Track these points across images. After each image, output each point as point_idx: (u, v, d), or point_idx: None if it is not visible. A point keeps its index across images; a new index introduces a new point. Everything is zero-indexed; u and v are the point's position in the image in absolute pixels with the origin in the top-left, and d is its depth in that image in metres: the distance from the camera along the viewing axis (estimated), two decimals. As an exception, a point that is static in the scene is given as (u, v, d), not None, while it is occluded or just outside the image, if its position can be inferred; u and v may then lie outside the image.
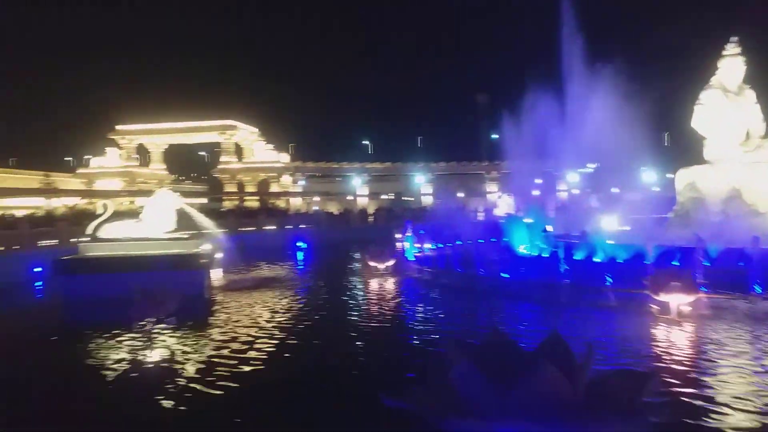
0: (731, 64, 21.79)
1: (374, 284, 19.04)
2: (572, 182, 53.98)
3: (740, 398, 7.70)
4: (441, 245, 23.43)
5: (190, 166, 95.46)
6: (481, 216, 46.32)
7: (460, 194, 71.03)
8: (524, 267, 18.28)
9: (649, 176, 64.85)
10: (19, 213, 37.32)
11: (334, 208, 59.07)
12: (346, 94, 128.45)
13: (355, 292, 18.06)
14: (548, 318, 13.44)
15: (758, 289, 12.79)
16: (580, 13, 35.54)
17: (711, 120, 21.70)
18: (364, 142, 77.94)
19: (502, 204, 50.28)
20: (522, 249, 23.18)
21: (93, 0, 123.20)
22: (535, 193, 58.98)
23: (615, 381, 6.04)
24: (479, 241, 24.60)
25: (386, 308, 15.19)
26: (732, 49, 21.84)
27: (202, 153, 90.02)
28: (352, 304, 16.11)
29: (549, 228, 24.70)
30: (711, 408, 7.41)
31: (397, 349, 11.12)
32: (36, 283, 20.73)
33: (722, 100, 21.54)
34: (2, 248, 23.06)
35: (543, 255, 20.65)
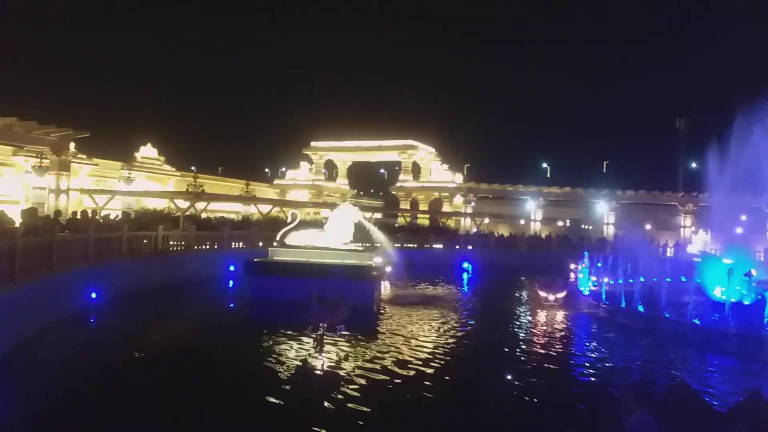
0: None
1: (542, 316, 18.19)
2: (786, 221, 46.83)
3: None
4: (621, 281, 21.66)
5: (370, 182, 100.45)
6: (670, 252, 42.21)
7: (648, 227, 65.39)
8: (719, 314, 16.12)
9: None
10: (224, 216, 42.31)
11: (505, 231, 57.88)
12: (525, 114, 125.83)
13: (521, 321, 17.45)
14: (745, 375, 11.69)
15: None
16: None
17: None
18: (542, 165, 75.50)
19: (697, 241, 45.38)
20: (718, 293, 20.53)
21: (294, 30, 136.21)
22: (739, 230, 52.23)
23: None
24: (666, 279, 22.34)
25: (552, 343, 14.36)
26: None
27: (382, 171, 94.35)
28: (515, 334, 15.54)
29: (754, 272, 21.60)
30: None
31: (560, 390, 10.41)
32: (229, 281, 23.23)
33: None
34: (207, 246, 26.19)
35: (744, 302, 18.09)
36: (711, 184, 41.96)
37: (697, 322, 15.38)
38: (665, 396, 6.30)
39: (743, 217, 56.72)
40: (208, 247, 26.07)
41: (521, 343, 14.45)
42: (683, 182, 64.92)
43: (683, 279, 23.56)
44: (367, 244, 20.63)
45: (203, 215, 34.41)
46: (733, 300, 18.15)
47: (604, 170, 69.97)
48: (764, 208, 50.95)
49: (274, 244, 20.00)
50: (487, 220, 67.99)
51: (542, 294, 20.30)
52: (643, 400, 5.96)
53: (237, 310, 17.71)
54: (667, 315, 16.07)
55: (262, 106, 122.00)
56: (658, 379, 10.88)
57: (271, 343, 12.70)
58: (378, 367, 10.97)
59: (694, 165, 58.67)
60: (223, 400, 8.84)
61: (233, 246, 27.24)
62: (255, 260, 19.56)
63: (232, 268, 23.79)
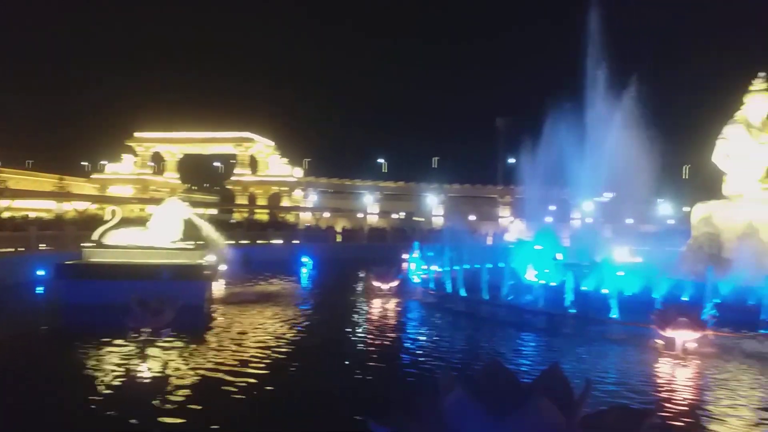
0: (757, 100, 21.46)
1: (376, 304, 18.79)
2: (587, 211, 53.49)
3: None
4: (448, 268, 23.12)
5: (204, 176, 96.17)
6: (490, 240, 45.95)
7: (472, 217, 70.71)
8: (530, 294, 17.90)
9: (665, 209, 64.18)
10: (31, 215, 37.65)
11: (343, 225, 58.94)
12: (363, 112, 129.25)
13: (355, 311, 17.80)
14: (550, 349, 13.10)
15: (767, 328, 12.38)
16: (604, 43, 35.56)
17: (732, 155, 21.33)
18: (378, 160, 78.01)
19: (514, 229, 49.93)
20: (529, 276, 22.78)
21: (117, 12, 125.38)
22: (548, 219, 58.53)
23: (611, 417, 5.74)
24: (487, 265, 24.26)
25: (385, 330, 14.89)
26: (759, 84, 21.53)
27: (217, 164, 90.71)
28: (350, 323, 15.83)
29: (559, 256, 24.30)
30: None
31: (391, 373, 10.83)
32: (38, 287, 20.73)
33: (745, 136, 21.19)
34: (11, 250, 23.14)
35: (550, 283, 20.26)
36: (524, 178, 46.50)
37: (511, 302, 16.91)
38: (479, 373, 6.80)
39: (552, 207, 63.70)
40: (13, 250, 23.05)
41: (355, 331, 14.78)
42: (502, 176, 71.03)
43: (501, 265, 25.75)
44: (199, 242, 19.62)
45: (5, 214, 30.32)
46: (542, 281, 20.22)
47: (435, 165, 74.17)
48: (569, 199, 57.61)
49: (90, 244, 18.22)
50: (327, 214, 68.65)
51: (376, 284, 20.93)
52: (459, 379, 6.38)
53: (46, 318, 15.82)
54: (486, 298, 17.45)
55: (80, 91, 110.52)
56: (476, 358, 11.75)
57: (85, 351, 11.51)
58: (207, 368, 10.46)
59: (511, 160, 64.48)
60: (25, 417, 7.81)
61: (42, 248, 24.37)
62: (67, 263, 17.65)
63: (41, 273, 21.27)
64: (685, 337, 11.76)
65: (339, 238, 48.36)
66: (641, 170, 30.18)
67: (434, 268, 23.49)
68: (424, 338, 14.31)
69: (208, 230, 20.57)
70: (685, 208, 38.53)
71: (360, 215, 68.87)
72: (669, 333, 11.89)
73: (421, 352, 12.69)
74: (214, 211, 64.79)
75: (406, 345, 13.56)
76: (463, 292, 18.57)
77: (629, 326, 13.56)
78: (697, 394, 9.66)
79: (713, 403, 9.10)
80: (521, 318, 15.58)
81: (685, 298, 15.40)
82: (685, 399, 9.27)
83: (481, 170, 75.56)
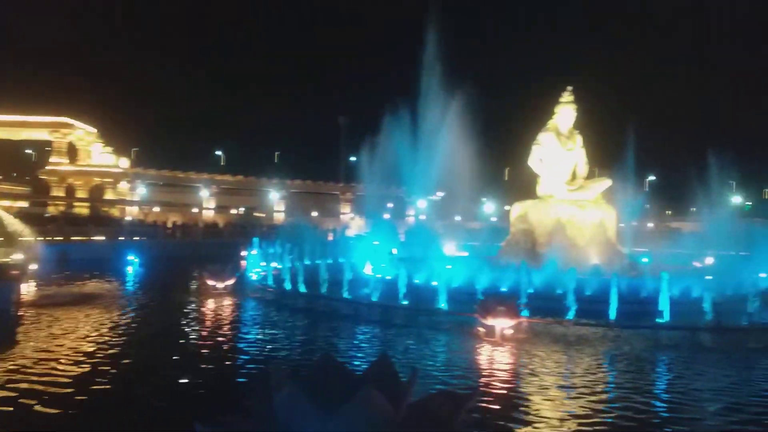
0: (565, 111, 24.09)
1: (210, 304, 18.00)
2: (421, 208, 56.44)
3: (548, 417, 8.21)
4: (288, 264, 22.95)
5: (13, 164, 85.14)
6: (331, 236, 46.48)
7: (314, 213, 70.94)
8: (367, 288, 18.42)
9: (489, 207, 69.81)
10: None
11: (175, 220, 55.65)
12: (197, 99, 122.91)
13: (186, 312, 16.83)
14: (383, 340, 13.57)
15: (571, 314, 13.98)
16: (439, 49, 37.47)
17: (545, 159, 23.76)
18: (216, 152, 74.88)
19: (354, 225, 51.02)
20: (367, 270, 23.41)
21: None
22: (386, 216, 60.71)
23: (435, 402, 6.07)
24: (327, 261, 24.47)
25: (218, 330, 14.29)
26: (566, 97, 24.18)
27: (29, 151, 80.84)
28: (179, 325, 14.91)
29: (394, 251, 25.29)
30: (521, 425, 7.80)
31: (223, 373, 10.44)
32: None
33: (555, 143, 23.70)
34: None
35: (386, 277, 21.01)
36: (364, 176, 47.72)
37: (348, 297, 17.24)
38: (312, 368, 6.83)
39: (390, 205, 66.16)
40: None
41: (184, 333, 13.96)
42: (344, 174, 72.15)
43: (341, 260, 26.16)
44: (1, 239, 17.30)
45: None
46: (378, 275, 20.87)
47: (276, 160, 73.04)
48: (405, 197, 60.27)
49: None
50: (157, 209, 64.38)
51: (211, 282, 20.10)
52: (292, 375, 6.34)
53: None
54: (324, 293, 17.60)
55: None
56: (312, 353, 11.80)
57: None
58: (15, 379, 9.25)
59: (352, 158, 65.77)
60: None
61: None
62: None
63: None
64: (503, 324, 12.87)
65: (172, 235, 45.66)
66: (469, 172, 32.55)
67: (274, 264, 23.17)
68: (260, 336, 14.02)
69: (16, 225, 18.27)
70: (506, 207, 42.21)
71: (195, 210, 65.65)
72: (489, 321, 12.93)
73: (255, 350, 12.43)
74: (24, 204, 57.59)
75: (240, 344, 13.16)
76: (302, 288, 18.53)
77: (455, 315, 14.53)
78: (513, 374, 10.62)
79: (527, 382, 10.07)
80: (358, 311, 15.95)
81: (504, 289, 16.87)
82: (502, 380, 10.14)
83: (323, 167, 76.11)
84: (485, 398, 8.81)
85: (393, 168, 42.59)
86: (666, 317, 14.03)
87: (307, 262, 26.12)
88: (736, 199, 55.94)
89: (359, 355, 11.90)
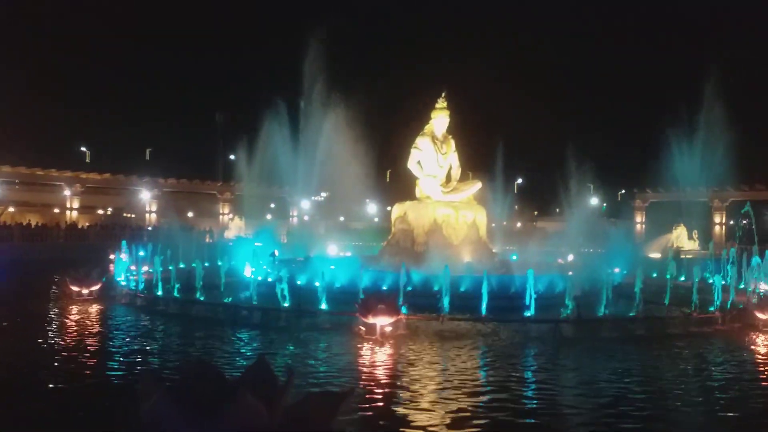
0: (440, 117, 25.01)
1: (73, 312, 16.59)
2: (304, 209, 56.04)
3: (426, 410, 8.48)
4: (161, 268, 21.80)
5: None
6: (209, 238, 44.83)
7: (190, 214, 67.93)
8: (248, 291, 17.96)
9: (372, 208, 70.84)
10: None
11: (30, 220, 50.73)
12: (62, 94, 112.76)
13: (45, 322, 15.34)
14: (264, 344, 13.31)
15: (446, 310, 14.57)
16: (323, 50, 37.43)
17: (422, 162, 24.54)
18: (81, 148, 69.06)
19: (234, 227, 49.55)
20: (248, 273, 22.84)
21: None
22: (269, 217, 59.61)
23: (312, 403, 6.05)
24: (205, 264, 23.55)
25: (80, 340, 13.15)
26: (441, 103, 25.12)
27: None
28: (35, 336, 13.49)
29: (276, 252, 24.86)
30: (400, 421, 8.00)
31: (87, 386, 9.67)
32: None
33: (431, 146, 24.54)
34: None
35: (268, 279, 20.62)
36: (244, 175, 46.56)
37: (227, 300, 16.71)
38: (183, 374, 6.54)
39: (272, 205, 65.05)
40: None
41: (41, 346, 12.72)
42: (223, 172, 69.66)
43: (219, 263, 25.29)
44: None
45: None
46: (259, 278, 20.43)
47: (148, 157, 68.92)
48: (288, 197, 59.50)
49: None
50: (12, 209, 58.40)
51: (74, 288, 18.58)
52: (161, 382, 6.03)
53: None
54: (201, 298, 16.91)
55: None
56: (185, 360, 11.29)
57: None
58: None
59: (231, 156, 63.75)
60: None
61: None
62: None
63: None
64: (383, 322, 13.12)
65: (30, 237, 41.59)
66: (352, 173, 32.83)
67: (145, 268, 21.88)
68: (129, 345, 13.16)
69: None
70: (388, 208, 43.10)
71: (57, 210, 60.34)
72: (370, 319, 13.13)
73: (123, 360, 11.64)
74: None
75: (106, 354, 12.25)
76: (176, 293, 17.67)
77: (337, 316, 14.59)
78: (392, 370, 10.86)
79: (406, 376, 10.35)
80: (236, 316, 15.49)
81: (384, 288, 17.18)
82: (381, 377, 10.35)
83: (200, 165, 72.87)
84: (365, 396, 8.93)
85: (275, 167, 41.99)
86: (532, 311, 15.05)
87: (182, 265, 24.99)
88: (595, 201, 61.31)
89: (238, 360, 11.57)
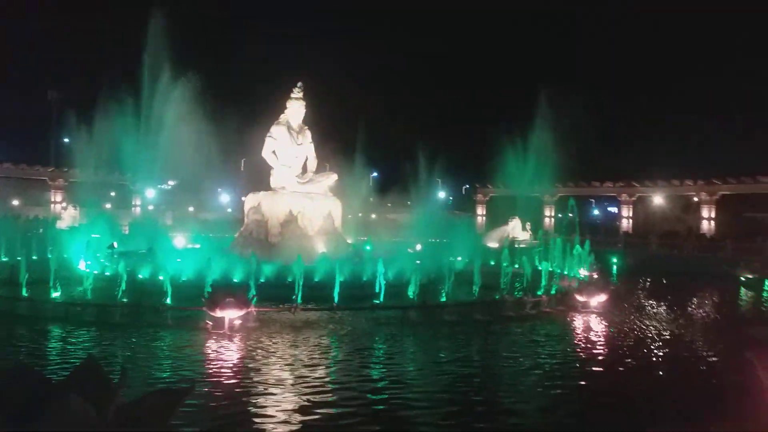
0: (295, 106, 24.81)
1: None
2: (149, 198, 52.56)
3: (274, 401, 8.46)
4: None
5: None
6: (39, 229, 40.43)
7: (15, 202, 60.88)
8: (82, 286, 16.51)
9: (225, 198, 68.49)
10: None
11: None
12: None
13: None
14: (98, 343, 12.35)
15: (299, 300, 14.60)
16: (168, 29, 35.12)
17: (277, 152, 24.20)
18: None
19: (67, 216, 45.18)
20: (83, 266, 21.01)
21: None
22: (108, 206, 55.20)
23: (147, 402, 5.76)
24: (32, 257, 21.24)
25: None
26: (297, 93, 24.93)
27: None
28: None
29: (115, 244, 23.13)
30: (247, 411, 7.90)
31: None
32: None
33: (287, 136, 24.29)
34: None
35: (105, 273, 19.14)
36: (80, 160, 42.58)
37: (56, 297, 15.26)
38: (2, 379, 5.87)
39: (112, 193, 60.23)
40: None
41: None
42: (55, 157, 63.11)
43: (50, 256, 22.96)
44: None
45: None
46: (95, 271, 18.90)
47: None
48: (129, 185, 55.42)
49: None
50: None
51: None
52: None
53: None
54: (25, 294, 15.27)
55: None
56: (5, 362, 10.16)
57: None
58: None
59: (65, 139, 57.85)
60: None
61: None
62: None
63: None
64: (231, 315, 12.80)
65: None
66: (203, 160, 31.43)
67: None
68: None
69: None
70: (242, 198, 42.11)
71: None
72: (218, 313, 12.74)
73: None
74: None
75: None
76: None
77: (182, 310, 13.96)
78: (239, 365, 10.64)
79: (252, 369, 10.20)
80: (69, 313, 14.18)
81: (235, 280, 16.77)
82: (227, 372, 10.10)
83: (29, 148, 65.30)
84: (208, 392, 8.67)
85: (115, 153, 38.94)
86: (381, 298, 15.59)
87: (4, 258, 22.38)
88: (442, 194, 64.75)
89: (69, 360, 10.61)
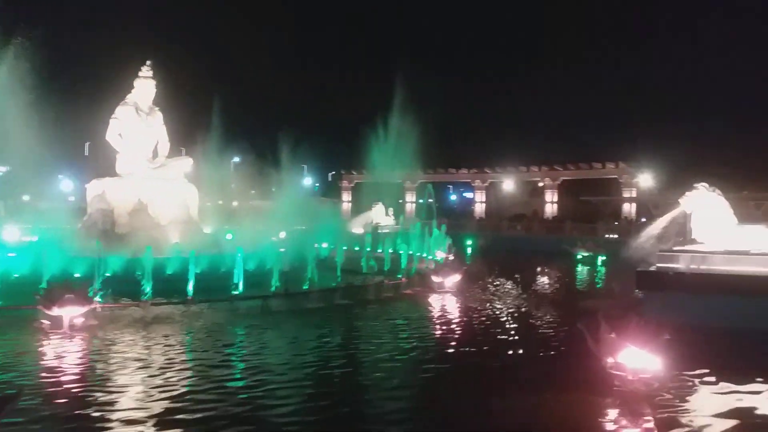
0: (144, 85, 23.06)
1: None
2: (-25, 186, 46.43)
3: (120, 404, 7.84)
4: None
5: None
6: None
7: None
8: None
9: (67, 185, 62.52)
10: None
11: None
12: None
13: None
14: None
15: (149, 295, 13.68)
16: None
17: (124, 135, 22.40)
18: None
19: None
20: None
21: None
22: None
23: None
24: None
25: None
26: (146, 72, 23.18)
27: None
28: None
29: None
30: (88, 415, 7.24)
31: None
32: None
33: (135, 118, 22.55)
34: None
35: None
36: None
37: None
38: None
39: None
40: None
41: None
42: None
43: None
44: None
45: None
46: None
47: None
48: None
49: None
50: None
51: None
52: None
53: None
54: None
55: None
56: None
57: None
58: None
59: None
60: None
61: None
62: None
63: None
64: (72, 313, 11.65)
65: None
66: (40, 144, 28.24)
67: None
68: None
69: None
70: (87, 185, 38.67)
71: None
72: (56, 311, 11.54)
73: None
74: None
75: None
76: None
77: (12, 310, 12.51)
78: (82, 366, 9.76)
79: (93, 370, 9.44)
80: None
81: (77, 275, 15.30)
82: (67, 374, 9.21)
83: None
84: (43, 400, 7.82)
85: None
86: (241, 289, 15.09)
87: None
88: (308, 181, 64.34)
89: None
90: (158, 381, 8.91)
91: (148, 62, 23.22)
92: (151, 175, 22.23)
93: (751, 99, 51.68)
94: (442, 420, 7.96)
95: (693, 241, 15.60)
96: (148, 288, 13.71)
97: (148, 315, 13.11)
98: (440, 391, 9.08)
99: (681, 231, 16.33)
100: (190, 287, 14.33)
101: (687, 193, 15.70)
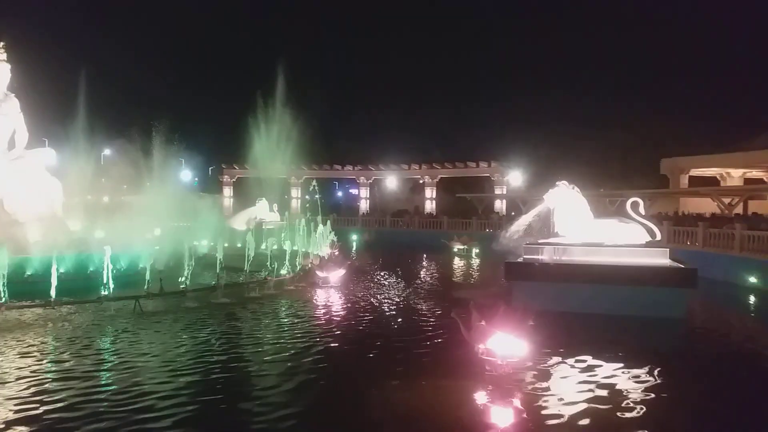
0: (-2, 69, 20.98)
1: None
2: None
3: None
4: None
5: None
6: None
7: None
8: None
9: None
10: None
11: None
12: None
13: None
14: None
15: (5, 298, 12.53)
16: None
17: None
18: None
19: None
20: None
21: None
22: None
23: None
24: None
25: None
26: (0, 53, 21.09)
27: None
28: None
29: None
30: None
31: None
32: None
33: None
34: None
35: None
36: None
37: None
38: None
39: None
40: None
41: None
42: None
43: None
44: None
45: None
46: None
47: None
48: None
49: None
50: None
51: None
52: None
53: None
54: None
55: None
56: None
57: None
58: None
59: None
60: None
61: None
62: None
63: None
64: None
65: None
66: None
67: None
68: None
69: None
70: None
71: None
72: None
73: None
74: None
75: None
76: None
77: None
78: None
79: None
80: None
81: None
82: None
83: None
84: None
85: None
86: (111, 289, 14.20)
87: None
88: (186, 175, 61.48)
89: None
90: (11, 394, 8.18)
91: (1, 43, 21.08)
92: (7, 168, 20.25)
93: (608, 107, 57.14)
94: (324, 418, 7.98)
95: (556, 234, 16.93)
96: (3, 291, 12.52)
97: (6, 320, 11.97)
98: (320, 388, 9.13)
99: (545, 225, 17.66)
100: (53, 288, 13.23)
101: (550, 190, 17.01)
